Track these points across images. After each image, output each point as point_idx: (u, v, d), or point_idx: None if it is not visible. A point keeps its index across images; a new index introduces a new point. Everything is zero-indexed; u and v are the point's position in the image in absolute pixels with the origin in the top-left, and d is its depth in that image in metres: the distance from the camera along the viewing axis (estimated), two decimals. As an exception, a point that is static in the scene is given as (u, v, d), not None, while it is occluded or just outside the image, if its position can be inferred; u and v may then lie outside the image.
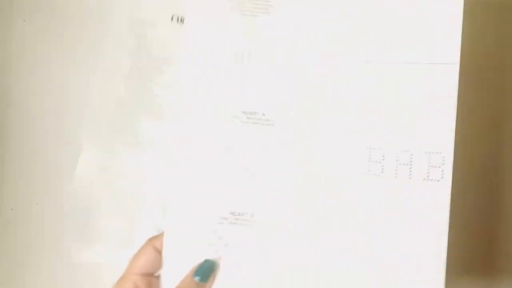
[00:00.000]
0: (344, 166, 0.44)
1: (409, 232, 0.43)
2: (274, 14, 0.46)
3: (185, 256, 0.44)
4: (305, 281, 0.44)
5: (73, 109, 0.64)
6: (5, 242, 0.62)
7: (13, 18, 0.65)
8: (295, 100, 0.45)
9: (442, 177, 0.42)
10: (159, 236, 0.46)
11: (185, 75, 0.46)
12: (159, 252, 0.45)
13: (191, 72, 0.46)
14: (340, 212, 0.44)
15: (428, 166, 0.43)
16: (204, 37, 0.46)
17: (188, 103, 0.45)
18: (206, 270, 0.44)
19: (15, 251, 0.61)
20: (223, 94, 0.45)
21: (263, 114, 0.45)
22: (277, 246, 0.44)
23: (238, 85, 0.46)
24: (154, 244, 0.45)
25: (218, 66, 0.46)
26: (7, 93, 0.64)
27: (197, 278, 0.43)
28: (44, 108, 0.64)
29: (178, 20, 0.62)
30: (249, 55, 0.46)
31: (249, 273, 0.44)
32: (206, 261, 0.44)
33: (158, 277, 0.45)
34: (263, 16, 0.46)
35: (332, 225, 0.44)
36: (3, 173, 0.63)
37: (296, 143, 0.45)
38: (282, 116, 0.45)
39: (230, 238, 0.44)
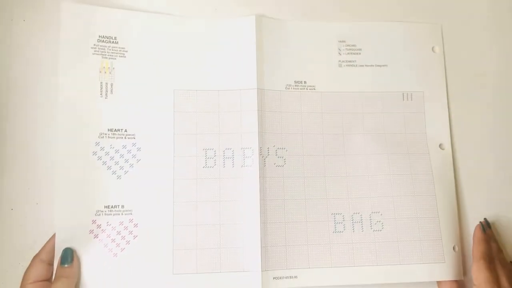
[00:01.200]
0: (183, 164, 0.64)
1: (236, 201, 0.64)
2: (128, 56, 0.65)
3: (71, 241, 0.59)
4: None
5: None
6: (5, 242, 0.61)
7: (13, 18, 0.65)
8: (149, 117, 0.64)
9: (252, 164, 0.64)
10: (42, 249, 0.58)
11: (61, 103, 0.61)
12: (45, 262, 0.57)
13: (66, 105, 0.61)
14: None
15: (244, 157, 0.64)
16: (74, 76, 0.62)
17: (63, 129, 0.61)
18: (67, 256, 0.58)
19: (15, 251, 0.61)
20: (93, 117, 0.62)
21: (126, 130, 0.63)
22: (142, 229, 0.62)
23: (105, 110, 0.62)
24: (40, 257, 0.57)
25: (88, 97, 0.62)
26: (7, 93, 0.64)
27: (62, 263, 0.57)
28: (44, 108, 0.64)
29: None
30: (111, 86, 0.63)
31: (122, 251, 0.61)
32: (65, 249, 0.58)
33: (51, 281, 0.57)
34: (120, 58, 0.64)
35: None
36: (3, 173, 0.62)
37: (153, 150, 0.64)
38: (141, 130, 0.63)
39: (106, 225, 0.61)
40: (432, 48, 0.70)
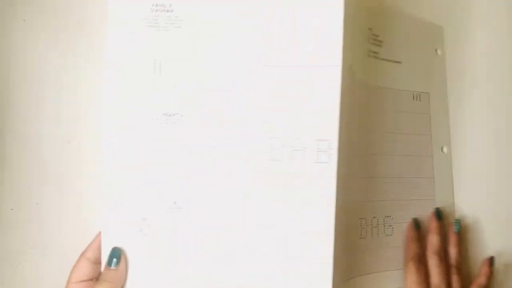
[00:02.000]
0: (249, 154, 0.54)
1: (305, 206, 0.53)
2: (184, 27, 0.54)
3: (119, 239, 0.54)
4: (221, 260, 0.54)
5: (74, 109, 0.64)
6: (5, 242, 0.61)
7: (13, 18, 0.65)
8: (204, 100, 0.55)
9: (329, 160, 0.52)
10: (88, 248, 0.55)
11: (109, 85, 0.55)
12: (91, 261, 0.54)
13: (114, 81, 0.54)
14: (246, 196, 0.54)
15: (318, 150, 0.52)
16: (125, 50, 0.54)
17: (113, 108, 0.54)
18: (114, 256, 0.53)
19: (15, 251, 0.61)
20: (144, 100, 0.54)
21: (181, 116, 0.54)
22: (199, 228, 0.55)
23: (156, 91, 0.54)
24: (86, 255, 0.54)
25: (138, 75, 0.54)
26: (7, 93, 0.64)
27: (110, 265, 0.53)
28: (44, 108, 0.64)
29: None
30: (164, 64, 0.54)
31: (173, 252, 0.55)
32: (113, 249, 0.54)
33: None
34: (175, 30, 0.54)
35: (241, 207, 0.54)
36: (3, 173, 0.62)
37: (207, 137, 0.54)
38: (195, 115, 0.54)
39: (157, 222, 0.55)
40: (436, 50, 0.69)
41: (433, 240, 0.61)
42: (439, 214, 0.63)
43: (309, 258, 0.52)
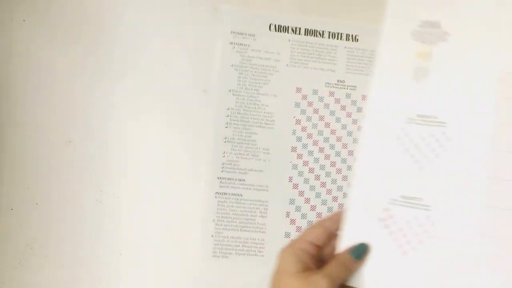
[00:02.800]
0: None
1: None
2: (450, 41, 0.55)
3: (360, 223, 0.53)
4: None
5: (73, 109, 0.64)
6: (5, 242, 0.61)
7: (13, 18, 0.65)
8: (465, 105, 0.53)
9: None
10: (328, 217, 0.54)
11: (376, 88, 0.57)
12: (326, 230, 0.53)
13: (379, 85, 0.56)
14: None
15: None
16: (391, 59, 0.57)
17: (374, 108, 0.56)
18: (362, 251, 0.52)
19: (15, 251, 0.61)
20: (403, 101, 0.56)
21: (436, 117, 0.54)
22: (449, 233, 0.51)
23: (416, 95, 0.55)
24: (324, 224, 0.53)
25: (400, 80, 0.56)
26: (7, 93, 0.63)
27: (353, 256, 0.51)
28: (44, 108, 0.64)
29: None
30: (426, 71, 0.56)
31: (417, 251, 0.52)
32: (362, 244, 0.52)
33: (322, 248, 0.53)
34: (441, 43, 0.56)
35: None
36: (3, 173, 0.62)
37: (466, 141, 0.52)
38: (454, 119, 0.53)
39: (399, 216, 0.53)
40: None
41: None
42: None
43: None
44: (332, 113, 0.67)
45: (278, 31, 0.68)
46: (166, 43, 0.66)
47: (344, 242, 0.52)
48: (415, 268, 0.51)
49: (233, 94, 0.66)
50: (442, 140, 0.53)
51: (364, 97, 0.68)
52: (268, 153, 0.66)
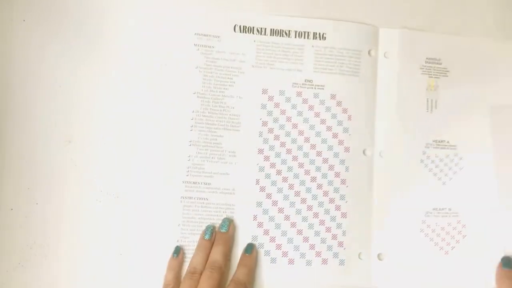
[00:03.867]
0: None
1: None
2: (449, 76, 0.68)
3: (404, 237, 0.66)
4: None
5: (74, 109, 0.64)
6: (5, 242, 0.62)
7: (13, 18, 0.65)
8: (468, 130, 0.68)
9: None
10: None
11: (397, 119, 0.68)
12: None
13: (400, 117, 0.68)
14: None
15: None
16: (407, 92, 0.68)
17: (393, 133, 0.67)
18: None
19: (15, 251, 0.62)
20: (421, 129, 0.67)
21: (448, 141, 0.67)
22: (471, 229, 0.66)
23: (429, 123, 0.67)
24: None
25: (414, 111, 0.68)
26: (7, 92, 0.64)
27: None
28: (44, 108, 0.64)
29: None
30: (435, 102, 0.67)
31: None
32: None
33: None
34: (443, 77, 0.68)
35: None
36: (3, 173, 0.63)
37: (473, 159, 0.67)
38: (461, 143, 0.67)
39: (435, 225, 0.66)
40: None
41: None
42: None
43: None
44: (300, 113, 0.66)
45: (243, 32, 0.66)
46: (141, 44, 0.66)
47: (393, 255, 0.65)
48: (457, 262, 0.65)
49: (197, 97, 0.65)
50: (456, 160, 0.67)
51: (332, 96, 0.66)
52: (234, 155, 0.65)
